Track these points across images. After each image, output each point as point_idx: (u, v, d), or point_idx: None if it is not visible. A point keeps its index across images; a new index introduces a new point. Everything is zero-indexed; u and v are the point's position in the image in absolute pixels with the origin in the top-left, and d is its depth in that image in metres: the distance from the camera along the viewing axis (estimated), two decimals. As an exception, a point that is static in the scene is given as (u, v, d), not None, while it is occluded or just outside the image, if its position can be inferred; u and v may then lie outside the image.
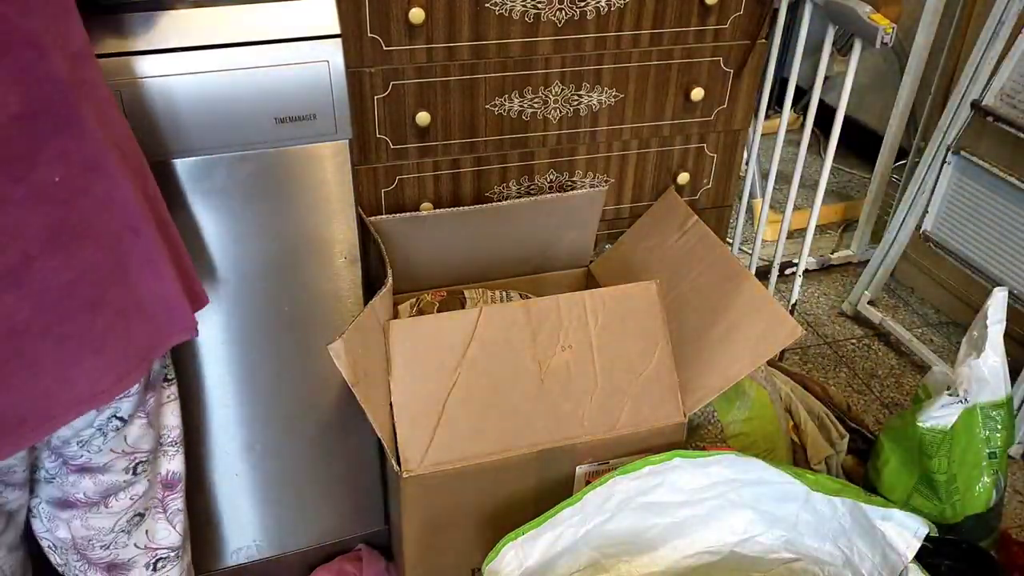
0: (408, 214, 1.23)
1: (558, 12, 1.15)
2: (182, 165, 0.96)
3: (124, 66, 0.88)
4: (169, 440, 0.92)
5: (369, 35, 1.09)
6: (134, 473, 0.87)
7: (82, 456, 0.82)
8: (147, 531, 0.92)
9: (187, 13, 0.91)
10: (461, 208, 1.25)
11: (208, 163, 0.97)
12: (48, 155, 0.67)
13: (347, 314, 1.14)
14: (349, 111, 1.00)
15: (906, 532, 1.03)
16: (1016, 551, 1.44)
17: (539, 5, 1.13)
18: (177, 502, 0.96)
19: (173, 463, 0.94)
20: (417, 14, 1.08)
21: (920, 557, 1.02)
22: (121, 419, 0.83)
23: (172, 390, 0.93)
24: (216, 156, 0.97)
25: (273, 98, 0.95)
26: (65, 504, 0.85)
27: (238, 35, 0.92)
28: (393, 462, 1.05)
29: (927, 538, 1.02)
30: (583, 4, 1.15)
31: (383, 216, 1.22)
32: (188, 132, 0.94)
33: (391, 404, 1.11)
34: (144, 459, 0.88)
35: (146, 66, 0.89)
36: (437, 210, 1.25)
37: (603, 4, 1.16)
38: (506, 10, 1.12)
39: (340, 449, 1.27)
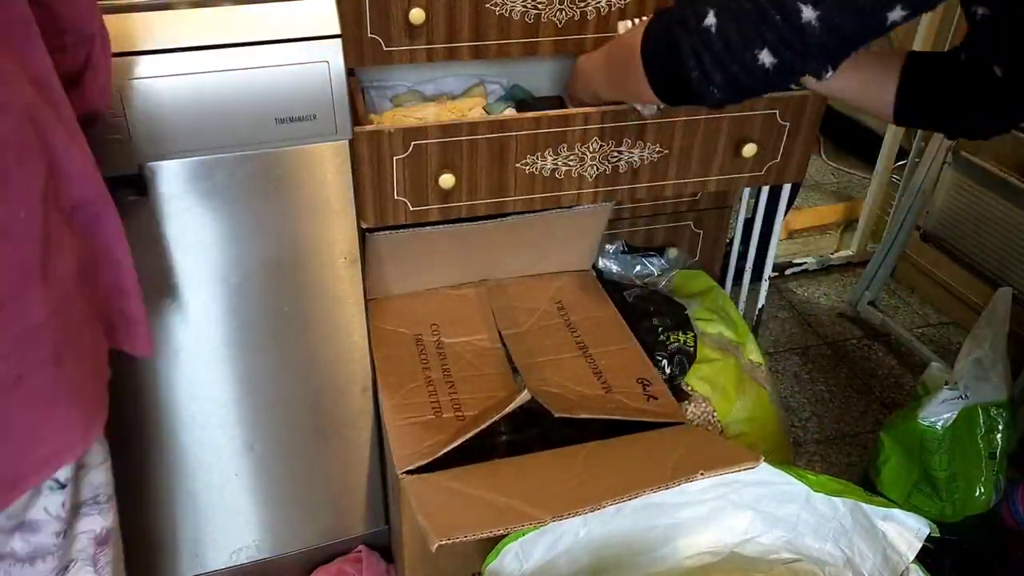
0: (409, 231, 1.21)
1: (559, 12, 1.14)
2: (182, 165, 0.96)
3: (124, 66, 0.88)
4: (104, 498, 0.86)
5: (369, 35, 1.08)
6: (64, 537, 0.81)
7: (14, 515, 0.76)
8: None
9: (187, 13, 0.90)
10: (463, 225, 1.23)
11: (208, 163, 0.97)
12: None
13: (347, 314, 1.14)
14: (349, 111, 1.00)
15: (907, 532, 1.03)
16: (1018, 552, 1.44)
17: (539, 5, 1.13)
18: (108, 554, 0.89)
19: (107, 519, 0.88)
20: (417, 14, 1.08)
21: (921, 557, 1.02)
22: (58, 481, 0.77)
23: (101, 448, 0.86)
24: (216, 156, 0.97)
25: (273, 98, 0.95)
26: None
27: (238, 35, 0.92)
28: (393, 463, 1.05)
29: (928, 538, 1.02)
30: (583, 4, 1.15)
31: (385, 232, 1.21)
32: (188, 132, 0.93)
33: (388, 406, 1.11)
34: (74, 521, 0.83)
35: (146, 66, 0.89)
36: (439, 226, 1.21)
37: (603, 4, 1.16)
38: (506, 10, 1.12)
39: (340, 449, 1.27)
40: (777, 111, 1.17)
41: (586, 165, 1.13)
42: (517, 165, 1.10)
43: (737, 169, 1.20)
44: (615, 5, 1.16)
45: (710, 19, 0.80)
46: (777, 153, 1.21)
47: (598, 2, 1.15)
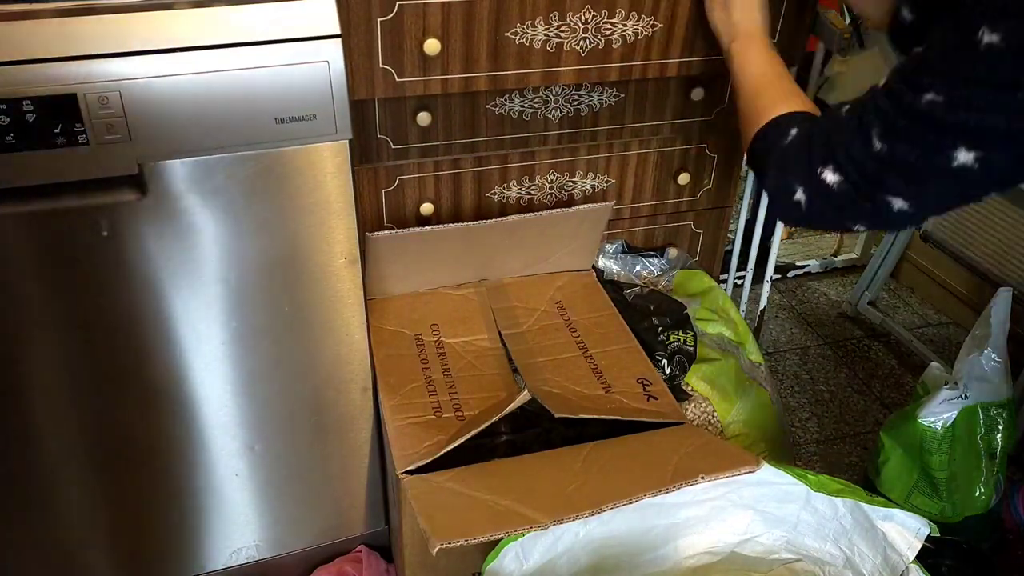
0: (409, 231, 1.22)
1: (582, 41, 1.10)
2: (182, 165, 0.96)
3: (124, 66, 0.88)
4: None
5: (381, 66, 1.06)
6: None
7: None
8: None
9: (187, 13, 0.90)
10: (463, 225, 1.24)
11: (208, 163, 0.97)
12: None
13: (347, 314, 1.14)
14: (349, 111, 1.00)
15: (907, 532, 1.03)
16: (1018, 552, 1.44)
17: (562, 34, 1.09)
18: None
19: None
20: (432, 45, 1.05)
21: (921, 557, 1.02)
22: None
23: None
24: (216, 156, 0.96)
25: (273, 98, 0.95)
26: None
27: (238, 35, 0.91)
28: (392, 463, 1.05)
29: (928, 538, 1.02)
30: (608, 32, 1.11)
31: (385, 232, 1.21)
32: (188, 132, 0.93)
33: (388, 406, 1.11)
34: None
35: (146, 66, 0.89)
36: (440, 226, 1.23)
37: (629, 32, 1.12)
38: (527, 39, 1.08)
39: (340, 449, 1.27)
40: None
41: (550, 107, 1.09)
42: (487, 106, 1.07)
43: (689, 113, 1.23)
44: (641, 33, 1.14)
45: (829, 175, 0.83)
46: (724, 97, 1.25)
47: (624, 30, 1.13)
